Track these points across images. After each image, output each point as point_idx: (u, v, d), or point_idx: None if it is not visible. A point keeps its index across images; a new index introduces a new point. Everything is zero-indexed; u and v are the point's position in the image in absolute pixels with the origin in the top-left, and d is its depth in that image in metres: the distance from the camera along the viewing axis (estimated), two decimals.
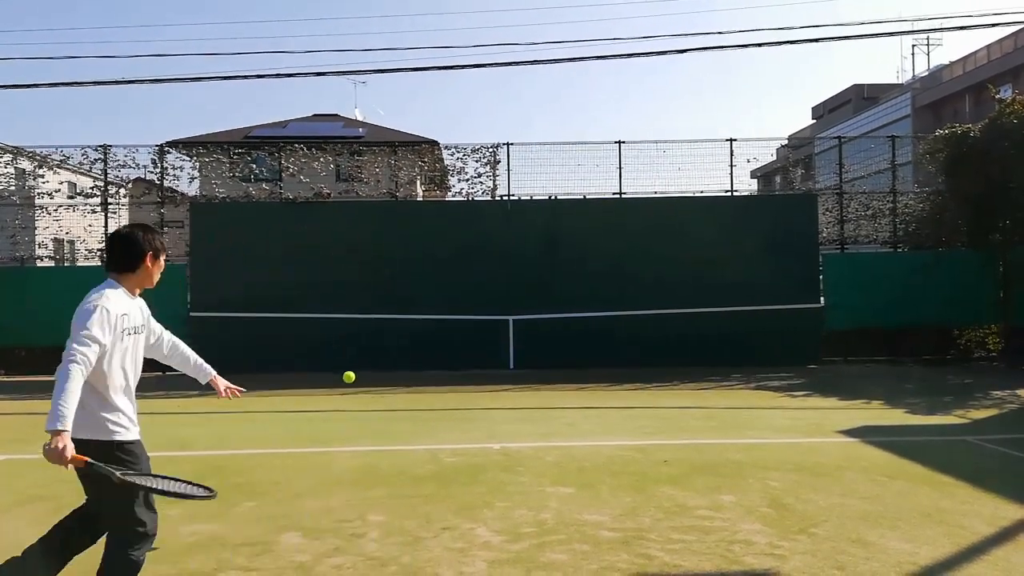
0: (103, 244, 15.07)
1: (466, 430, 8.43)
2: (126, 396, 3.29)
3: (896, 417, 9.03)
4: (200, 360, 3.87)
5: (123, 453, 3.19)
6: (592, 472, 6.26)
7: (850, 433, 7.89)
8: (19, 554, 3.33)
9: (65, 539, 3.39)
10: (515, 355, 14.58)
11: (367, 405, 10.72)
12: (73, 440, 2.96)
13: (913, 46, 55.12)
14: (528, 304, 14.50)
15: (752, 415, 9.50)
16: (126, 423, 3.24)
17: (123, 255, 3.37)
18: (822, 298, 14.99)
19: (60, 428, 2.87)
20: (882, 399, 10.30)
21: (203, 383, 3.88)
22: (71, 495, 5.76)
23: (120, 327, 3.22)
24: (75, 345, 3.02)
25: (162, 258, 3.48)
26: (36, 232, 15.20)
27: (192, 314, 14.36)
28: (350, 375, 5.38)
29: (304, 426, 8.93)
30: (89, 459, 3.03)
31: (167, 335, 3.71)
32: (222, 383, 3.88)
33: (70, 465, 2.97)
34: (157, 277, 3.49)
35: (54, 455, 2.87)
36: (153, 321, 3.59)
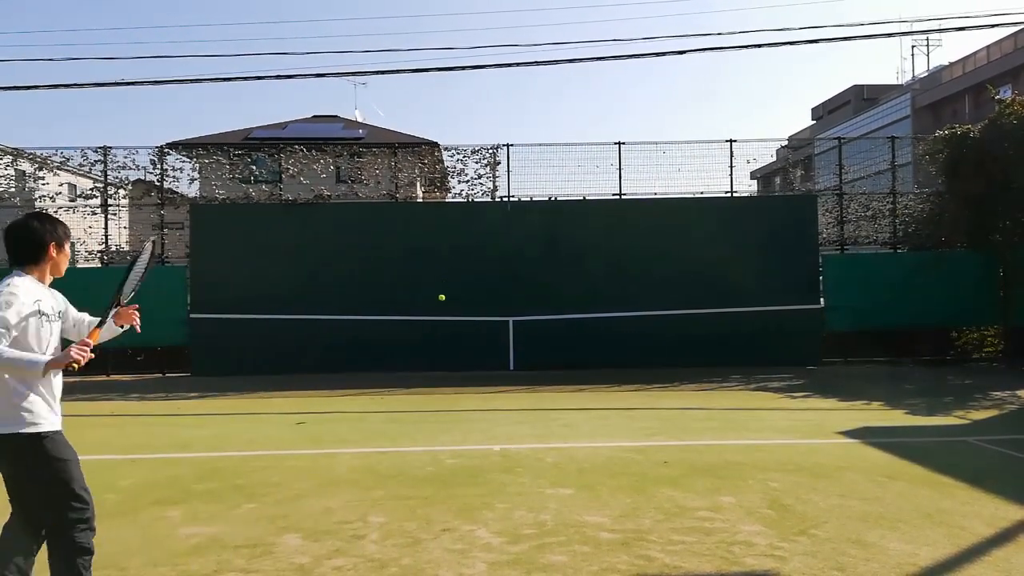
0: (103, 246, 15.08)
1: (466, 431, 8.42)
2: (42, 385, 3.16)
3: (896, 418, 9.03)
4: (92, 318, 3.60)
5: (49, 444, 3.11)
6: (592, 473, 6.25)
7: (850, 434, 7.89)
8: None
9: (4, 550, 3.21)
10: (515, 356, 14.58)
11: (367, 406, 10.72)
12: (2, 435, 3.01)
13: (913, 47, 55.26)
14: (528, 305, 14.50)
15: (752, 416, 9.50)
16: (45, 412, 3.14)
17: (25, 248, 3.25)
18: (822, 299, 14.99)
19: (43, 360, 2.99)
20: (882, 400, 10.29)
21: (120, 329, 3.61)
22: None
23: (28, 312, 3.12)
24: None
25: (67, 247, 3.37)
26: None
27: (192, 315, 14.37)
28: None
29: (303, 427, 8.92)
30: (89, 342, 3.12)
31: (81, 315, 3.56)
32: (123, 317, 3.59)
33: (86, 351, 3.03)
34: (65, 266, 3.39)
35: (69, 360, 2.99)
36: (72, 309, 3.49)
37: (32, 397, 3.11)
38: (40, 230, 3.28)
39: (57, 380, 3.25)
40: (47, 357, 3.05)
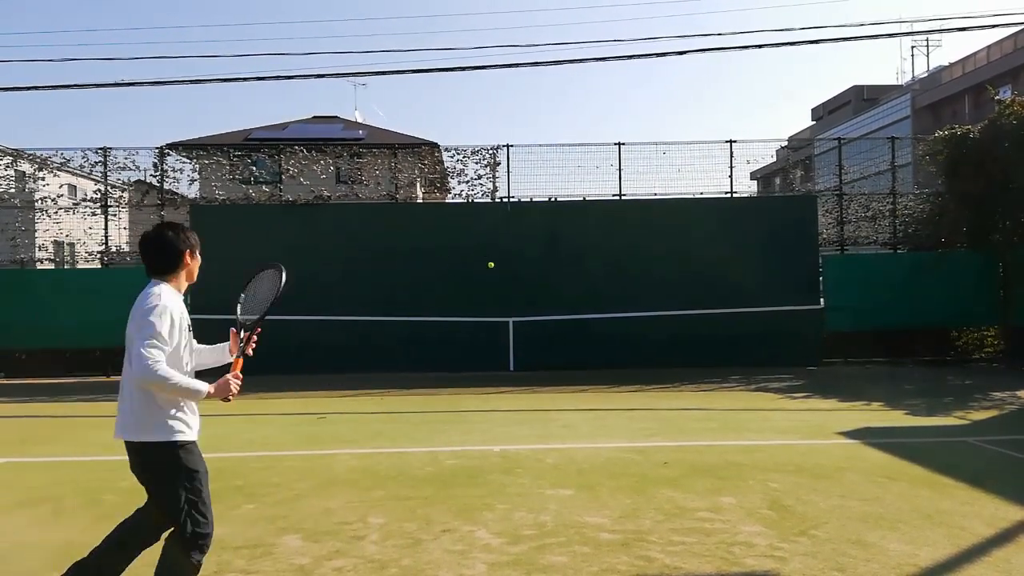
0: (103, 247, 15.08)
1: (466, 432, 8.42)
2: None
3: (896, 419, 9.03)
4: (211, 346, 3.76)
5: (185, 453, 3.17)
6: (592, 474, 6.25)
7: (850, 435, 7.89)
8: (85, 556, 3.32)
9: (124, 539, 3.37)
10: (515, 357, 14.58)
11: (367, 407, 10.72)
12: (134, 443, 3.15)
13: (913, 47, 55.29)
14: (528, 305, 14.50)
15: (752, 416, 9.49)
16: (186, 422, 3.21)
17: (161, 258, 3.34)
18: (822, 299, 14.99)
19: (207, 389, 3.10)
20: (882, 400, 10.29)
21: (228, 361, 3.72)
22: (71, 497, 5.78)
23: (178, 325, 3.25)
24: (146, 351, 3.04)
25: (198, 254, 3.48)
26: (36, 235, 15.22)
27: (192, 316, 14.35)
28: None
29: (304, 428, 8.92)
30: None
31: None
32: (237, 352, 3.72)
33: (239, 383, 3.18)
34: (195, 274, 3.51)
35: (228, 392, 3.14)
36: None
37: (175, 408, 3.16)
38: (174, 239, 3.34)
39: None
40: (208, 387, 3.10)
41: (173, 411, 3.14)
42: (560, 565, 4.15)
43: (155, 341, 3.07)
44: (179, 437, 3.14)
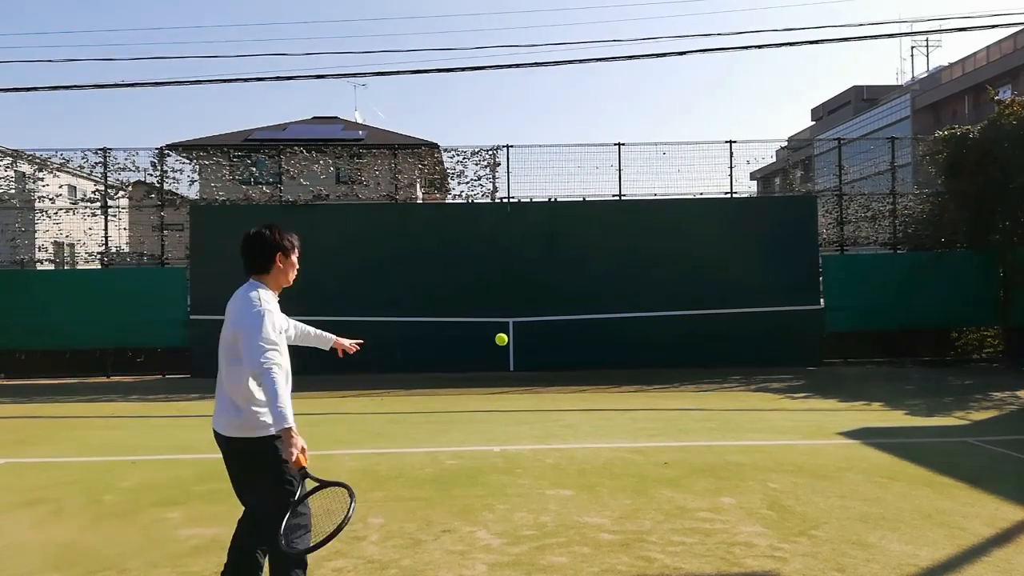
0: (103, 247, 15.09)
1: (466, 432, 8.43)
2: None
3: (896, 419, 9.03)
4: (318, 330, 4.02)
5: (280, 446, 3.22)
6: (592, 474, 6.25)
7: (850, 435, 7.89)
8: None
9: (239, 549, 3.51)
10: (515, 357, 14.58)
11: (366, 407, 10.72)
12: (240, 439, 3.26)
13: (912, 47, 55.32)
14: (528, 306, 14.50)
15: (752, 417, 9.49)
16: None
17: (256, 257, 3.43)
18: (822, 300, 14.99)
19: (287, 425, 3.01)
20: (882, 401, 10.29)
21: (326, 350, 4.08)
22: (71, 498, 5.78)
23: (280, 327, 3.34)
24: (263, 354, 3.11)
25: (294, 256, 3.53)
26: (36, 235, 15.21)
27: (192, 317, 14.37)
28: (502, 337, 6.01)
29: (303, 428, 8.90)
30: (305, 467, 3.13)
31: (292, 322, 3.83)
32: (346, 342, 4.08)
33: (295, 459, 3.02)
34: (293, 275, 3.56)
35: (293, 448, 3.00)
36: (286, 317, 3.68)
37: (265, 405, 3.22)
38: (269, 238, 3.44)
39: None
40: (291, 423, 3.06)
41: (265, 408, 3.24)
42: (560, 565, 4.15)
43: (267, 344, 3.15)
44: (271, 431, 3.21)
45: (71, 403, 11.58)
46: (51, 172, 15.58)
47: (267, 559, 3.39)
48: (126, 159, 15.19)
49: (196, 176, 16.24)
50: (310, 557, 4.35)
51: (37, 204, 15.19)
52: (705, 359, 14.28)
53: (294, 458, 3.00)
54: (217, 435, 3.39)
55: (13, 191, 15.46)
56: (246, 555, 3.47)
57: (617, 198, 15.25)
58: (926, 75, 48.18)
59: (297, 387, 11.59)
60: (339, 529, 2.99)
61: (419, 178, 18.11)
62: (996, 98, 16.28)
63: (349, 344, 4.06)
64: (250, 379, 3.20)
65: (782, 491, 5.62)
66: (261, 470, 3.29)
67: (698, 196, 15.28)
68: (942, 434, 8.12)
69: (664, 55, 15.58)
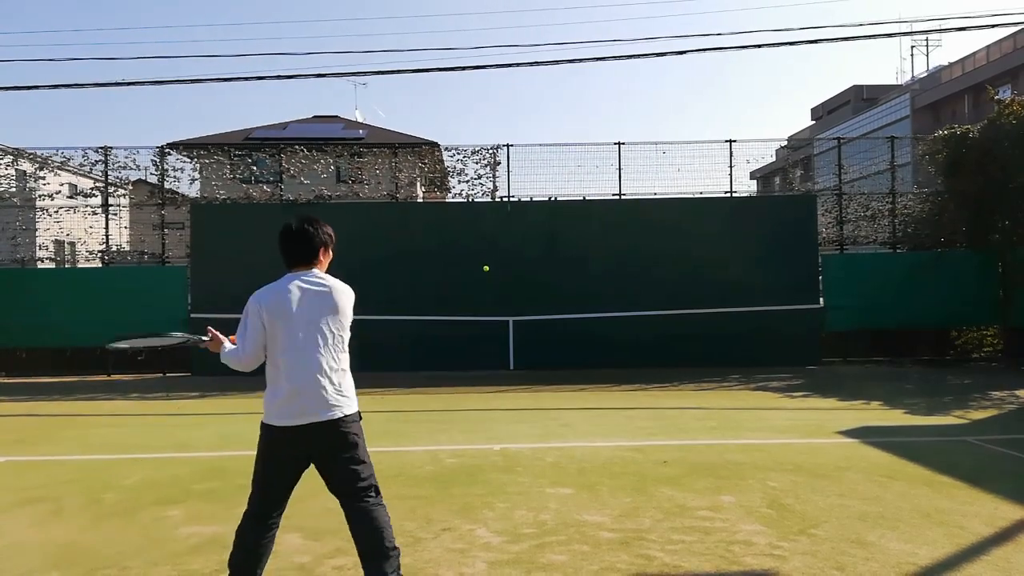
0: (104, 246, 15.09)
1: (466, 431, 8.43)
2: None
3: (896, 418, 9.04)
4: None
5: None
6: (592, 473, 6.26)
7: (850, 434, 7.90)
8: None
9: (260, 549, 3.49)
10: (515, 356, 14.59)
11: (366, 406, 10.66)
12: (338, 419, 3.38)
13: (912, 47, 55.30)
14: (528, 305, 14.51)
15: (752, 416, 9.50)
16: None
17: (303, 249, 3.55)
18: (821, 299, 15.00)
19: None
20: (882, 400, 10.30)
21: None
22: (71, 497, 5.78)
23: None
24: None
25: (331, 249, 3.71)
26: (37, 234, 15.23)
27: (192, 315, 14.38)
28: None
29: None
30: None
31: None
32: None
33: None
34: (326, 267, 3.68)
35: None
36: None
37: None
38: (315, 233, 3.59)
39: None
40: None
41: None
42: (560, 564, 4.15)
43: None
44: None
45: (71, 401, 11.59)
46: (52, 170, 15.58)
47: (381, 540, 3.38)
48: (127, 158, 15.22)
49: (197, 175, 16.25)
50: (310, 555, 4.37)
51: (38, 203, 15.20)
52: (705, 358, 14.30)
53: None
54: (304, 427, 3.28)
55: (14, 189, 15.46)
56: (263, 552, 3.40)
57: (617, 197, 15.26)
58: (926, 75, 48.18)
59: None
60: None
61: (419, 177, 18.13)
62: (996, 98, 16.29)
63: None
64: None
65: (781, 490, 5.63)
66: (355, 444, 3.42)
67: (698, 195, 15.29)
68: (941, 433, 8.13)
69: (663, 54, 15.60)
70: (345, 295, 3.51)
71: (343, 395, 3.41)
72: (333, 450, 3.36)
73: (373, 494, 3.44)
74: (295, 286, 3.40)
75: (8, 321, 14.26)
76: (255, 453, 3.39)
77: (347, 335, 3.48)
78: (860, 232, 15.93)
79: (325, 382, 3.34)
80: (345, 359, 3.49)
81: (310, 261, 3.52)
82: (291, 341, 3.31)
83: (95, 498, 5.70)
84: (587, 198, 15.36)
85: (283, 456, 3.32)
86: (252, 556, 3.32)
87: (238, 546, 3.34)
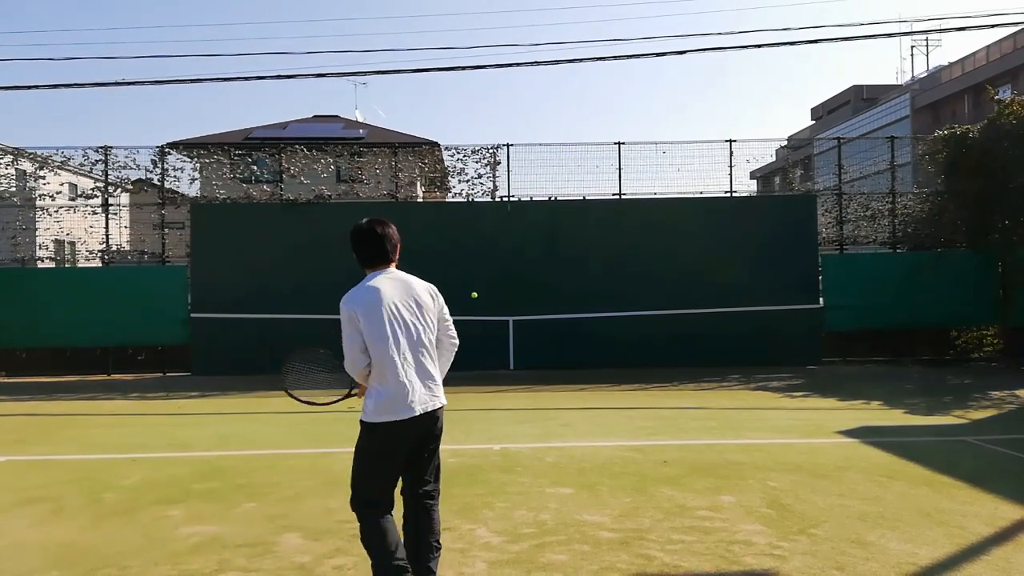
0: (104, 245, 15.09)
1: (466, 431, 8.43)
2: None
3: (895, 418, 9.04)
4: None
5: None
6: (592, 473, 6.26)
7: (850, 434, 7.90)
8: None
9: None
10: (515, 356, 14.58)
11: None
12: (441, 408, 3.56)
13: (912, 47, 55.29)
14: (528, 305, 14.51)
15: (752, 416, 9.51)
16: None
17: (386, 249, 3.73)
18: (821, 299, 15.00)
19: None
20: (881, 400, 10.31)
21: None
22: (71, 496, 5.79)
23: None
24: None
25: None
26: (37, 233, 15.21)
27: (192, 315, 14.38)
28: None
29: (303, 427, 8.93)
30: None
31: None
32: None
33: None
34: None
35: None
36: None
37: None
38: (389, 233, 3.78)
39: None
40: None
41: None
42: (560, 563, 4.16)
43: None
44: None
45: (71, 401, 11.59)
46: (52, 170, 15.58)
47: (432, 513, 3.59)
48: (127, 157, 15.19)
49: (197, 174, 16.23)
50: (310, 555, 4.37)
51: (38, 202, 15.19)
52: (705, 358, 14.30)
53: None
54: (416, 418, 3.43)
55: (14, 189, 15.46)
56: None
57: (617, 197, 15.25)
58: (926, 75, 48.17)
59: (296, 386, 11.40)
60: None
61: (419, 177, 18.11)
62: (996, 98, 16.28)
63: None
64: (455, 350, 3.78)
65: (781, 490, 5.63)
66: (440, 434, 3.61)
67: (698, 195, 15.29)
68: (941, 433, 8.14)
69: (663, 54, 15.58)
70: (428, 288, 3.70)
71: (439, 386, 3.59)
72: (429, 438, 3.55)
73: (438, 488, 3.66)
74: (381, 285, 3.56)
75: (8, 321, 14.25)
76: (355, 456, 3.51)
77: (436, 326, 3.67)
78: (860, 232, 15.92)
79: (426, 375, 3.52)
80: (436, 351, 3.66)
81: (388, 260, 3.69)
82: (394, 340, 3.46)
83: (95, 498, 5.70)
84: (587, 198, 15.35)
85: (399, 448, 3.46)
86: (407, 539, 3.52)
87: (383, 543, 3.41)
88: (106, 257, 15.13)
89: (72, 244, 15.69)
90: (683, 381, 12.67)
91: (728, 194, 15.32)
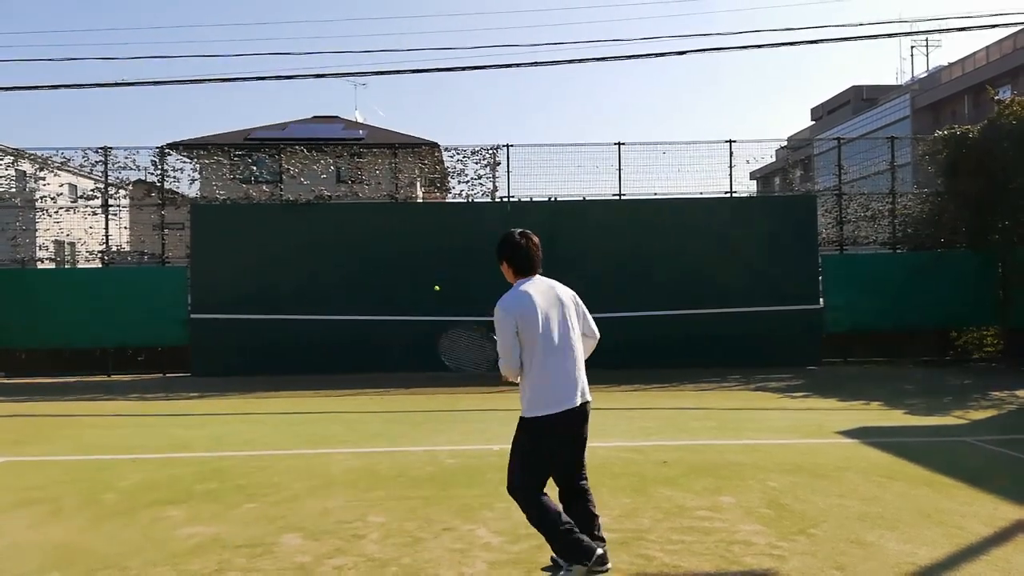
0: (104, 246, 15.09)
1: (465, 432, 8.44)
2: None
3: (895, 418, 9.04)
4: None
5: None
6: (591, 473, 6.17)
7: (849, 434, 7.90)
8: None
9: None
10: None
11: (366, 407, 10.73)
12: (587, 403, 3.93)
13: (912, 47, 55.31)
14: None
15: (751, 416, 9.50)
16: None
17: (539, 257, 4.05)
18: (821, 299, 15.00)
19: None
20: (881, 400, 10.30)
21: None
22: (70, 497, 5.78)
23: None
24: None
25: None
26: (37, 234, 15.22)
27: (193, 316, 14.38)
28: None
29: (303, 428, 8.93)
30: None
31: None
32: None
33: None
34: None
35: None
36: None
37: None
38: (538, 245, 4.08)
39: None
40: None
41: None
42: None
43: None
44: None
45: (71, 402, 11.59)
46: (52, 171, 15.58)
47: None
48: (127, 158, 15.20)
49: (197, 175, 16.25)
50: (310, 555, 4.37)
51: (38, 203, 15.20)
52: (704, 358, 14.29)
53: None
54: (574, 410, 3.80)
55: (14, 190, 15.46)
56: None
57: (617, 198, 15.25)
58: (926, 75, 48.18)
59: (297, 386, 11.64)
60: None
61: (419, 177, 18.12)
62: (996, 98, 16.29)
63: None
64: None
65: (781, 490, 5.63)
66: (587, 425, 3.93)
67: (698, 196, 15.29)
68: (941, 433, 8.13)
69: (663, 54, 15.59)
70: (569, 291, 4.08)
71: (583, 381, 3.93)
72: (581, 429, 3.91)
73: (586, 472, 4.06)
74: (535, 292, 3.89)
75: (8, 321, 14.26)
76: (519, 449, 3.87)
77: (580, 324, 4.05)
78: (860, 232, 15.92)
79: (579, 371, 3.92)
80: (581, 347, 4.04)
81: (537, 268, 4.02)
82: (548, 340, 3.80)
83: (94, 498, 5.70)
84: (587, 198, 15.35)
85: (562, 437, 3.84)
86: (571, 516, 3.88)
87: (555, 516, 3.81)
88: (106, 258, 15.13)
89: (72, 245, 15.70)
90: (683, 381, 12.67)
91: (728, 194, 15.32)
